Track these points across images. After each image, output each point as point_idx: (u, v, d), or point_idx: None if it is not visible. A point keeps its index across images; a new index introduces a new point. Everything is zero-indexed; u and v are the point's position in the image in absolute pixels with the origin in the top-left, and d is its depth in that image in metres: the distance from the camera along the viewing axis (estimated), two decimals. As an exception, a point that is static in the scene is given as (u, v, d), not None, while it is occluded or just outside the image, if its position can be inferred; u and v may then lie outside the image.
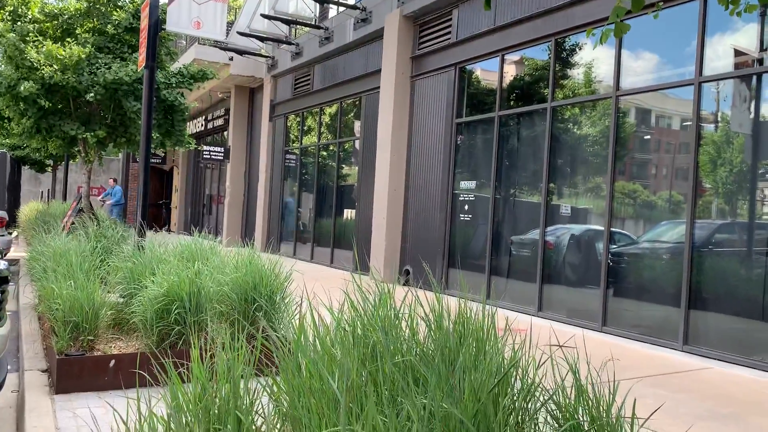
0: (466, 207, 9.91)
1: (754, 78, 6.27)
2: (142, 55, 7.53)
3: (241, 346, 2.53)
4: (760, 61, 6.23)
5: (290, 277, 5.07)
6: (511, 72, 9.33)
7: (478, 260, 9.56)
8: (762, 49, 6.21)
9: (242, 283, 4.85)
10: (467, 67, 10.10)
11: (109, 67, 10.48)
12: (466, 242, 9.88)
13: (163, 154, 26.66)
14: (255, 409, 2.52)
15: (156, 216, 27.24)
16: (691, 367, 5.77)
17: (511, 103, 9.22)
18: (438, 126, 10.49)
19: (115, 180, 21.44)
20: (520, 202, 9.01)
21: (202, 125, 22.69)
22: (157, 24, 7.34)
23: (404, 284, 10.72)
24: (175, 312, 4.47)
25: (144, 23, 7.51)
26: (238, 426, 2.32)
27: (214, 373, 2.48)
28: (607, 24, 3.32)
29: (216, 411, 2.27)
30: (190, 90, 12.17)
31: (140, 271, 5.33)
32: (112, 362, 4.38)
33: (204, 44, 16.80)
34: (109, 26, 10.87)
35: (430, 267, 10.23)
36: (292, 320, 4.46)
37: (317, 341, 2.47)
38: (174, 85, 11.38)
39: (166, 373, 2.46)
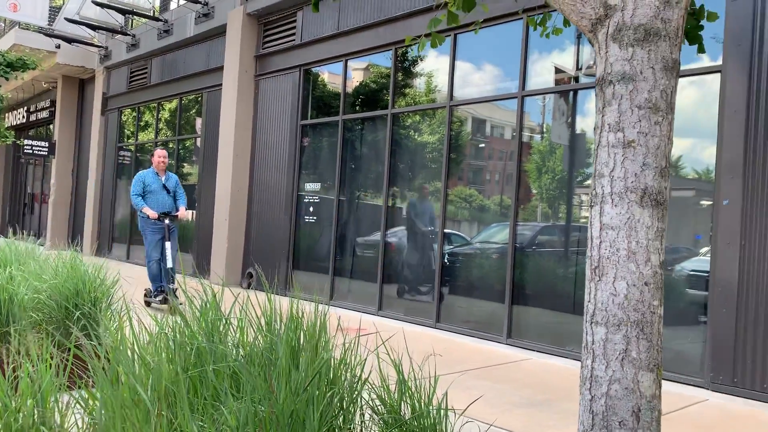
0: (311, 209, 9.94)
1: (572, 93, 6.92)
2: (-54, 36, 6.72)
3: (51, 357, 2.34)
4: (576, 79, 6.88)
5: (118, 282, 4.78)
6: (355, 77, 9.51)
7: (322, 262, 9.62)
8: (578, 68, 6.87)
9: (62, 289, 4.49)
10: (312, 69, 10.13)
11: None
12: (311, 244, 9.91)
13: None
14: (68, 424, 2.35)
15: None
16: (513, 359, 6.24)
17: (356, 107, 9.40)
18: (283, 127, 10.42)
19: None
20: (364, 204, 9.21)
21: (23, 117, 20.68)
22: (-35, 2, 6.59)
23: (247, 287, 10.52)
24: (-18, 322, 4.04)
25: (-51, 0, 6.71)
26: (45, 443, 2.14)
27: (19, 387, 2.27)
28: (424, 35, 3.50)
29: (19, 428, 2.08)
30: (7, 79, 11.07)
31: (-60, 278, 4.75)
32: None
33: (27, 29, 15.32)
34: None
35: (275, 269, 10.13)
36: (115, 328, 4.21)
37: (137, 349, 2.35)
38: (-12, 71, 10.29)
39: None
